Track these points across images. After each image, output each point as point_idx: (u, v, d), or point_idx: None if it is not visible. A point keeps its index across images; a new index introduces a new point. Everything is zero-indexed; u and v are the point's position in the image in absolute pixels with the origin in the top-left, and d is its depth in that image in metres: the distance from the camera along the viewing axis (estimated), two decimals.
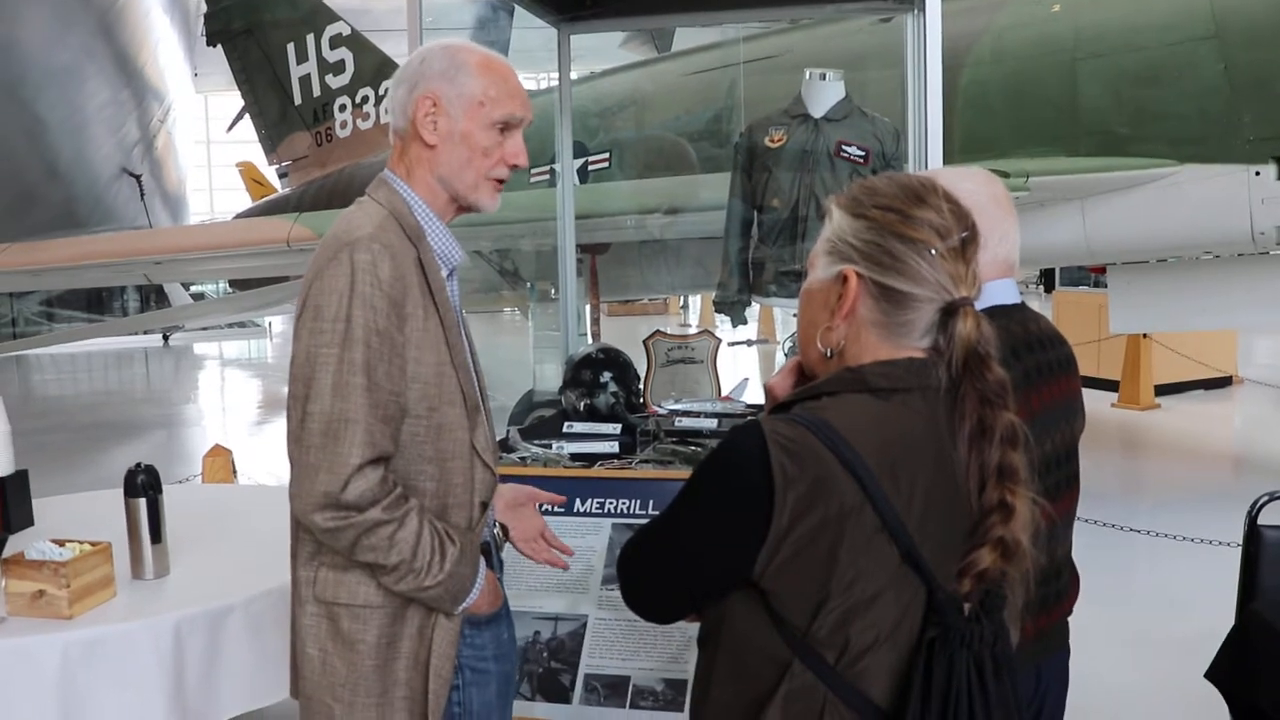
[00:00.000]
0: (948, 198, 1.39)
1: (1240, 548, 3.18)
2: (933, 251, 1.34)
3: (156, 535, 2.69)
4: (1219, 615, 3.31)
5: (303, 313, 1.76)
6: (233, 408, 13.14)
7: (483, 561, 1.90)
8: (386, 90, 10.17)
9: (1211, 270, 7.08)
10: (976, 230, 1.40)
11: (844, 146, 3.86)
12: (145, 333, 19.31)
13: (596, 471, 2.93)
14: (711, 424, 3.23)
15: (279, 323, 21.15)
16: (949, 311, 1.35)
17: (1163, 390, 10.86)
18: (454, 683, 1.87)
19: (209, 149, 31.10)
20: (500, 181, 1.91)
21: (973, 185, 1.87)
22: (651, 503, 2.72)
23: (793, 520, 1.26)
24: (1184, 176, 6.11)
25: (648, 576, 1.45)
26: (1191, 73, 6.05)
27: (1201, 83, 6.03)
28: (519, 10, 4.11)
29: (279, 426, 10.77)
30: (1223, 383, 11.73)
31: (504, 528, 2.14)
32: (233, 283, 11.79)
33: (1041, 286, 21.02)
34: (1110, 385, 10.77)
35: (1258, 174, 5.97)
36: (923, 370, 1.36)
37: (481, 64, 1.87)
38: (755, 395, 3.88)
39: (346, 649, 1.81)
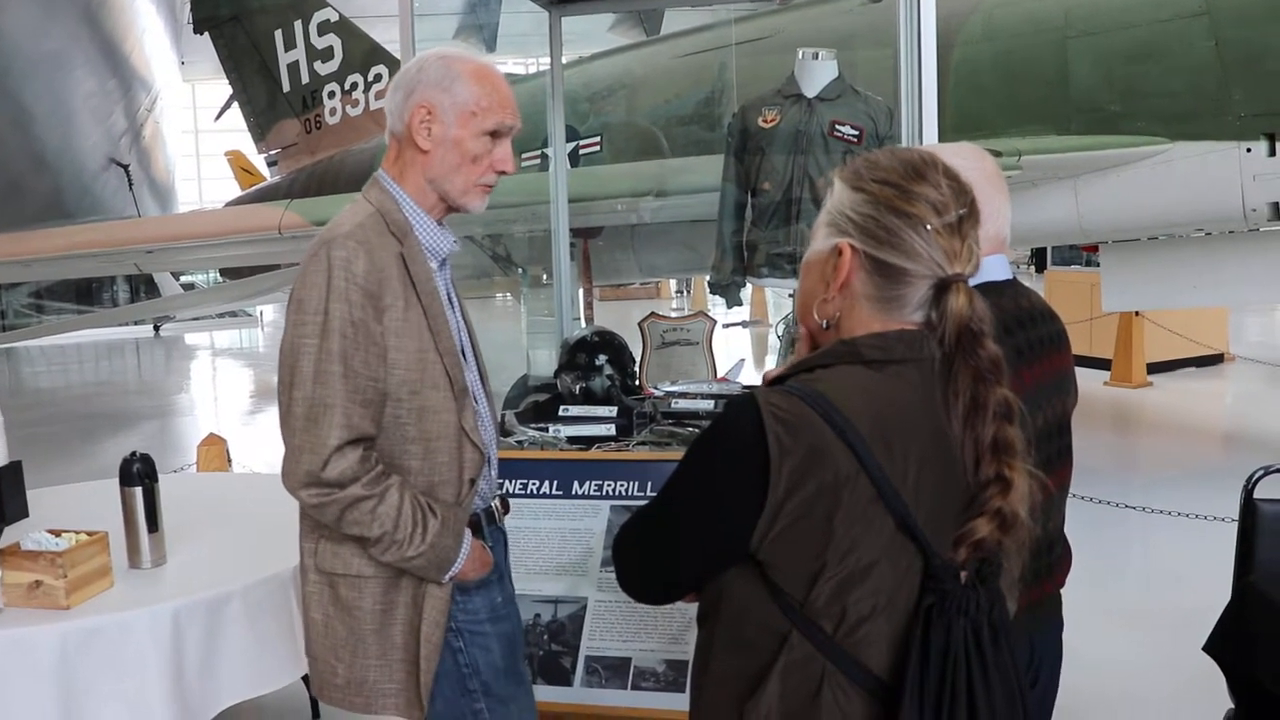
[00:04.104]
0: (948, 174, 1.40)
1: (1234, 523, 3.19)
2: (928, 227, 1.35)
3: (153, 524, 2.68)
4: (1214, 589, 3.32)
5: (289, 306, 1.90)
6: (225, 397, 13.12)
7: (468, 531, 2.00)
8: (376, 76, 10.15)
9: (1203, 247, 7.09)
10: (976, 207, 1.40)
11: (837, 126, 3.85)
12: (136, 323, 19.24)
13: (594, 454, 2.93)
14: (708, 405, 3.23)
15: (270, 311, 21.09)
16: (942, 287, 1.35)
17: (1155, 368, 10.88)
18: (456, 645, 2.00)
19: (197, 138, 30.94)
20: (488, 187, 2.02)
21: (963, 162, 1.85)
22: (650, 484, 2.72)
23: (789, 490, 1.27)
24: (1176, 154, 6.12)
25: (647, 555, 1.45)
26: (1182, 50, 6.05)
27: (1192, 60, 6.03)
28: None
29: (272, 415, 10.78)
30: (1214, 360, 11.76)
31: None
32: (223, 272, 11.75)
33: (1033, 266, 21.05)
34: (1103, 364, 10.78)
35: (1249, 151, 5.97)
36: (916, 342, 1.36)
37: (475, 73, 1.96)
38: (750, 376, 3.88)
39: (346, 614, 1.96)
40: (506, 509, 2.22)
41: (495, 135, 1.97)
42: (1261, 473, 3.19)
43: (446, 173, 1.96)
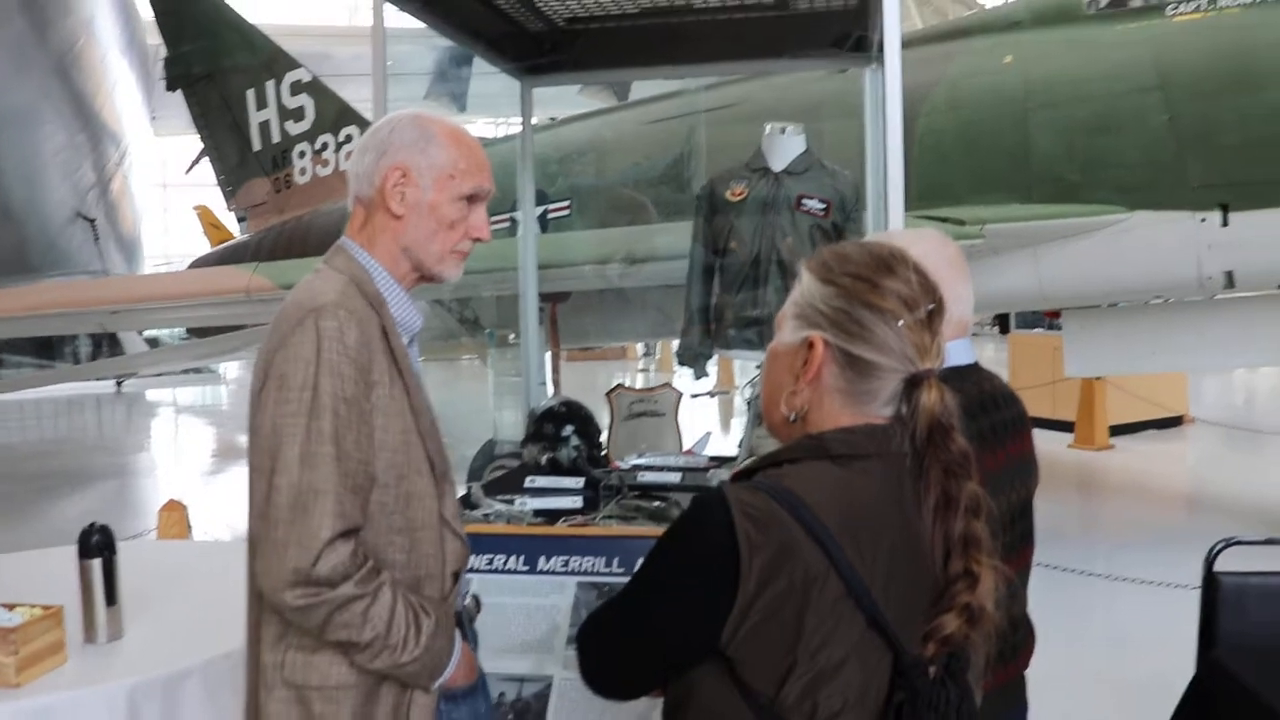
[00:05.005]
0: (916, 269, 1.42)
1: (1197, 589, 3.22)
2: (900, 323, 1.36)
3: (111, 597, 2.62)
4: (1179, 658, 3.34)
5: (266, 383, 1.71)
6: (187, 457, 12.96)
7: (458, 633, 1.87)
8: (347, 137, 10.19)
9: (1162, 314, 7.22)
10: (943, 303, 1.42)
11: (805, 200, 3.89)
12: (97, 378, 19.01)
13: (560, 529, 2.90)
14: (675, 478, 3.23)
15: (235, 368, 20.94)
16: (913, 383, 1.36)
17: (1117, 430, 11.01)
18: None
19: (165, 192, 30.85)
20: (464, 254, 1.90)
21: (926, 246, 1.89)
22: (616, 560, 2.70)
23: (759, 587, 1.27)
24: (1134, 223, 6.24)
25: (612, 651, 1.44)
26: (1138, 123, 6.20)
27: (1148, 132, 6.18)
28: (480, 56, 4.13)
29: (235, 476, 10.67)
30: (1175, 422, 11.92)
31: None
32: (190, 329, 11.67)
33: (997, 327, 21.31)
34: (1066, 426, 10.90)
35: (1204, 220, 6.11)
36: (883, 436, 1.37)
37: (451, 135, 1.87)
38: (717, 448, 3.89)
39: None
40: (479, 608, 2.09)
41: (472, 200, 1.87)
42: (1222, 545, 3.23)
43: (422, 240, 1.84)
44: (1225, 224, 6.06)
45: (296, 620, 1.70)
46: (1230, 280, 6.28)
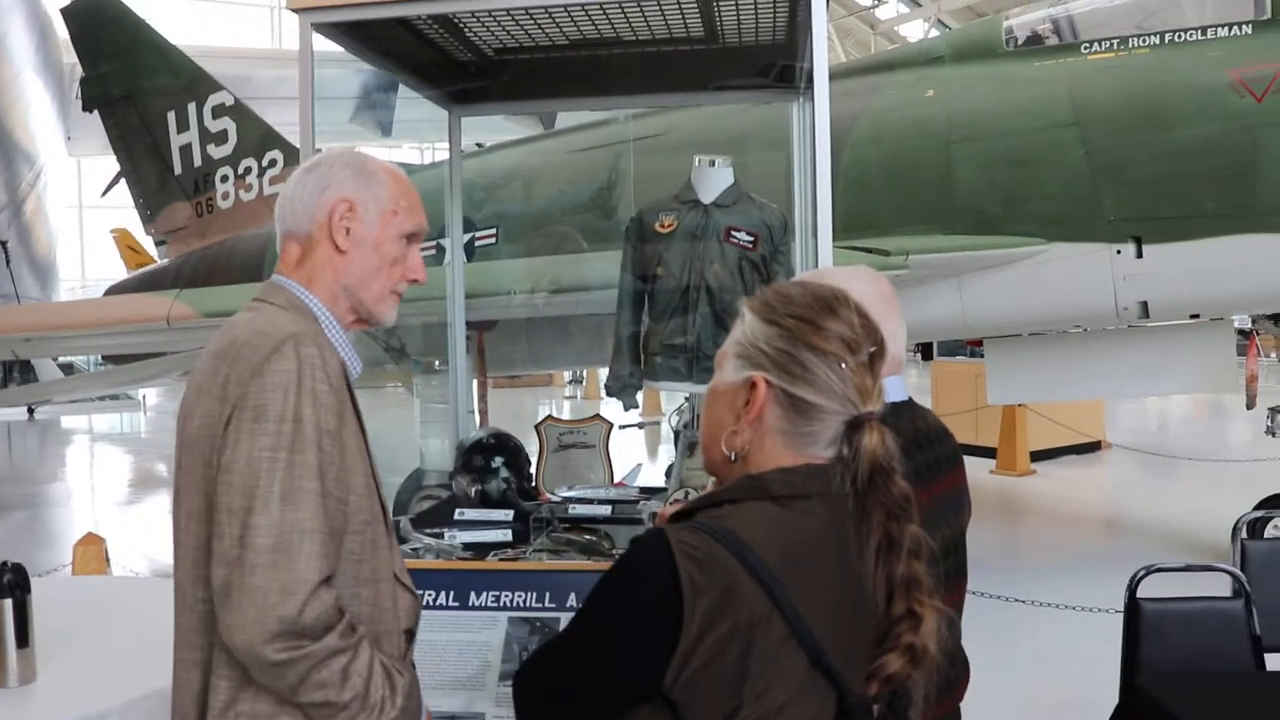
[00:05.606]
0: (858, 310, 1.43)
1: (1118, 613, 3.29)
2: (843, 365, 1.37)
3: (23, 639, 2.54)
4: (1102, 682, 3.40)
5: (237, 415, 1.57)
6: (104, 486, 12.61)
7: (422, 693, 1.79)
8: (271, 161, 10.05)
9: (1081, 343, 7.40)
10: (884, 345, 1.43)
11: (733, 232, 3.91)
12: (8, 405, 18.44)
13: (491, 564, 2.87)
14: (605, 510, 3.22)
15: (153, 395, 20.46)
16: (855, 425, 1.37)
17: (1038, 456, 11.25)
18: None
19: (82, 214, 30.17)
20: (400, 295, 1.86)
21: (860, 285, 1.92)
22: (549, 595, 2.68)
23: (702, 630, 1.26)
24: (1053, 254, 6.39)
25: (552, 696, 1.40)
26: (1056, 157, 6.36)
27: (1065, 167, 6.35)
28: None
29: (154, 507, 10.39)
30: (1093, 447, 12.22)
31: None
32: (107, 356, 11.37)
33: (919, 354, 21.66)
34: (988, 452, 11.10)
35: (1119, 252, 6.29)
36: (824, 477, 1.38)
37: (390, 174, 1.84)
38: (648, 477, 3.88)
39: None
40: (413, 668, 1.92)
41: (410, 239, 1.83)
42: (1143, 573, 3.31)
43: (364, 278, 1.78)
44: (1140, 256, 6.25)
45: (269, 678, 1.53)
46: (1145, 310, 6.47)
